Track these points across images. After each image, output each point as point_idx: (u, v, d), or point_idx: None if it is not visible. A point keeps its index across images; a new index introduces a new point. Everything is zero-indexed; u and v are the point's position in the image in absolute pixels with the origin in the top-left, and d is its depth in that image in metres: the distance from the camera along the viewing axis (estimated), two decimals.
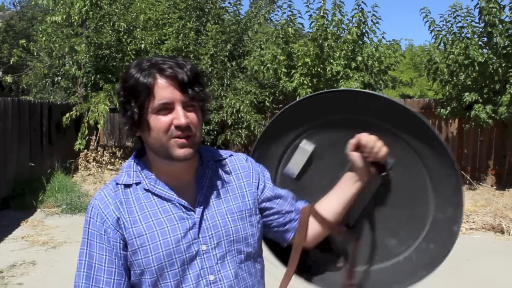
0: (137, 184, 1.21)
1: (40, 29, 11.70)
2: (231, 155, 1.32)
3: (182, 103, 1.13)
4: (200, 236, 1.19)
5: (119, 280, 1.18)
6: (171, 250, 1.16)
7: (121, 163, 10.97)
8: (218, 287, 1.19)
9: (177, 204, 1.19)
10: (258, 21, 13.34)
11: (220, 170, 1.28)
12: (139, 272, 1.17)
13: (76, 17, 11.00)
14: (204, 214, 1.20)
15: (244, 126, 10.85)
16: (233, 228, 1.22)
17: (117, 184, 1.21)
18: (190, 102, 1.14)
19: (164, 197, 1.19)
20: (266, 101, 11.49)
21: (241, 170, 1.30)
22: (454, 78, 9.33)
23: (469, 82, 9.20)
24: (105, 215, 1.17)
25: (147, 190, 1.20)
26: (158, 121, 1.13)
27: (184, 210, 1.19)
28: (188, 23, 11.75)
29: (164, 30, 11.59)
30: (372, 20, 11.38)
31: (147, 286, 1.17)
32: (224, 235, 1.21)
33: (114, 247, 1.17)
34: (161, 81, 1.12)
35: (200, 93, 1.15)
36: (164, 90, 1.12)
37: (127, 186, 1.21)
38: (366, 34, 11.56)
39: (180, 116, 1.12)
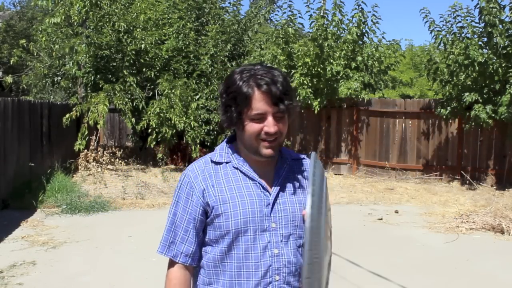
0: (227, 163, 1.48)
1: (40, 29, 11.70)
2: (304, 158, 1.60)
3: (273, 114, 1.38)
4: (272, 215, 1.43)
5: (191, 239, 1.45)
6: (248, 218, 1.40)
7: (121, 163, 10.97)
8: (279, 260, 1.42)
9: (258, 183, 1.45)
10: (258, 21, 13.34)
11: (295, 167, 1.55)
12: (218, 233, 1.42)
13: (76, 18, 10.98)
14: (278, 198, 1.45)
15: None
16: (299, 215, 1.47)
17: (211, 161, 1.48)
18: (279, 114, 1.39)
19: (249, 175, 1.45)
20: None
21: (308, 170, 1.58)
22: (454, 78, 9.32)
23: (469, 82, 9.20)
24: (194, 184, 1.44)
25: (236, 168, 1.47)
26: (252, 127, 1.39)
27: (262, 190, 1.45)
28: (188, 23, 11.75)
29: (164, 30, 11.59)
30: (372, 20, 11.39)
31: (223, 246, 1.42)
32: (291, 219, 1.45)
33: (194, 211, 1.44)
34: (258, 95, 1.37)
35: (289, 106, 1.39)
36: (259, 102, 1.37)
37: (218, 163, 1.48)
38: (366, 34, 11.56)
39: (270, 125, 1.38)
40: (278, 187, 1.46)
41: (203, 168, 1.47)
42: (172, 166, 11.48)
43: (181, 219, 1.45)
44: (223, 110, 1.44)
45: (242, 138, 1.44)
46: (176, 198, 1.48)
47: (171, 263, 1.48)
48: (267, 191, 1.45)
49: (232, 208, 1.41)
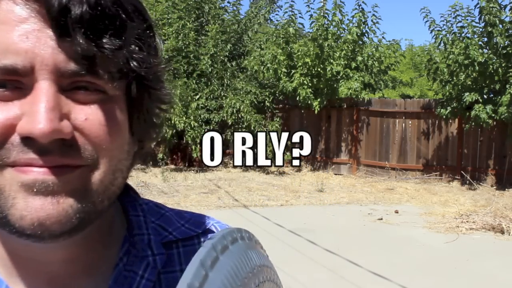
0: None
1: None
2: (208, 239, 0.47)
3: (61, 74, 0.41)
4: None
5: None
6: None
7: None
8: None
9: None
10: (258, 21, 13.35)
11: (170, 275, 0.54)
12: None
13: None
14: None
15: (244, 126, 10.85)
16: None
17: None
18: (85, 78, 0.43)
19: None
20: (266, 101, 11.49)
21: None
22: (454, 78, 9.33)
23: (469, 82, 9.21)
24: None
25: None
26: None
27: None
28: (188, 23, 11.75)
29: (164, 30, 11.59)
30: (372, 20, 11.39)
31: None
32: None
33: None
34: (8, 4, 0.41)
35: (117, 52, 0.43)
36: (13, 28, 0.41)
37: None
38: (366, 34, 11.57)
39: (40, 107, 0.40)
40: None
41: None
42: (172, 166, 11.47)
43: None
44: None
45: None
46: None
47: None
48: None
49: None
